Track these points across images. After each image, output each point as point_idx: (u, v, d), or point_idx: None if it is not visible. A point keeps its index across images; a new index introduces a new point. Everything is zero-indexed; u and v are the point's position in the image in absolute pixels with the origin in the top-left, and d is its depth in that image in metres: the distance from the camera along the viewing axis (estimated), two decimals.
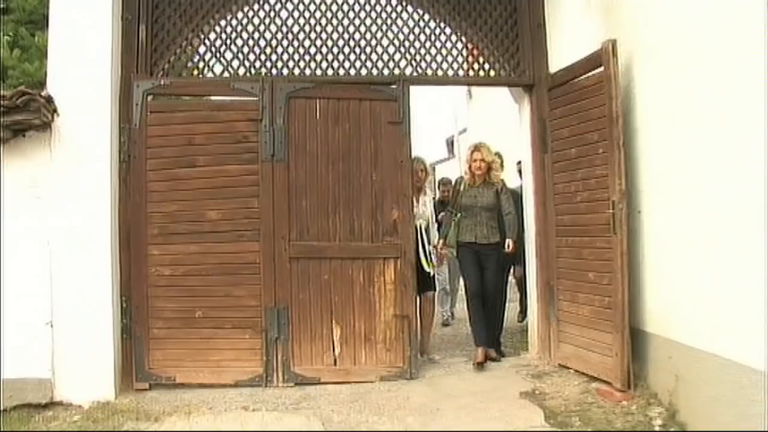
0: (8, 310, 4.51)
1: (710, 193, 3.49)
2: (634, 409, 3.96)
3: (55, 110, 4.57)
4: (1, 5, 6.06)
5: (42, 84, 5.37)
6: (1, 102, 4.30)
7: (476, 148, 5.50)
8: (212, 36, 5.20)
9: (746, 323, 3.08)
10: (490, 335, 5.45)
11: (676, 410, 3.72)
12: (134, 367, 4.82)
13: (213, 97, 5.38)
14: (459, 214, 5.47)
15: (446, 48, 5.38)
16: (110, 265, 4.71)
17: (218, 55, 5.18)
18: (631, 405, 4.01)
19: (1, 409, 4.38)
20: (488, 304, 5.42)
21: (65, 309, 4.60)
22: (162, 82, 5.02)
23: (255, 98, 4.98)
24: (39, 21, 6.25)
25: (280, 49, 5.19)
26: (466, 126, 14.88)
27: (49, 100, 4.54)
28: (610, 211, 4.35)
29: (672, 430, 3.65)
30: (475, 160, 5.40)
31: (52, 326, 4.58)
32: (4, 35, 5.51)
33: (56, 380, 4.58)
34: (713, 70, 3.45)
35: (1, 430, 4.13)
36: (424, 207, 5.72)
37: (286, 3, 5.25)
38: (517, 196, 5.75)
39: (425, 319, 5.71)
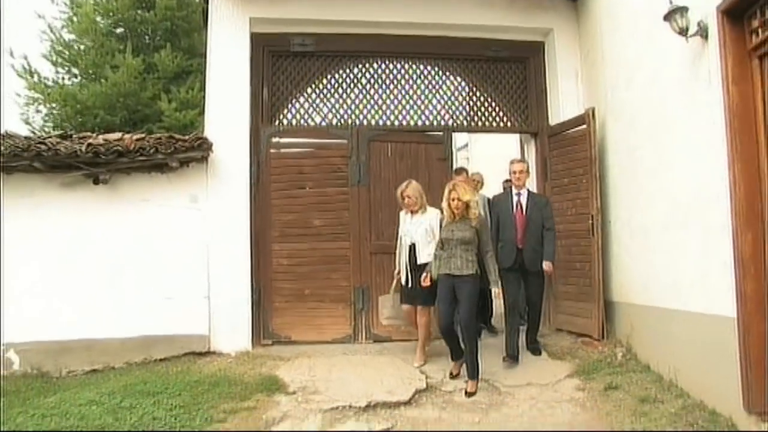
0: (181, 288, 6.21)
1: (644, 208, 5.45)
2: (606, 350, 5.90)
3: (211, 147, 6.31)
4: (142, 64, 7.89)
5: (186, 127, 7.27)
6: (184, 144, 6.10)
7: (453, 187, 5.37)
8: (313, 96, 6.98)
9: (665, 283, 5.04)
10: (460, 352, 5.45)
11: (631, 347, 5.71)
12: (262, 329, 6.55)
13: (315, 140, 6.91)
14: (441, 249, 5.45)
15: (477, 105, 7.23)
16: (247, 257, 6.42)
17: (317, 109, 7.00)
18: (604, 348, 5.95)
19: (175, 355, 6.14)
20: (462, 331, 5.33)
21: (217, 287, 6.29)
22: (280, 129, 6.84)
23: (346, 141, 6.80)
24: (176, 78, 8.21)
25: (362, 106, 7.01)
26: (467, 141, 16.44)
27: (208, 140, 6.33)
28: (590, 221, 6.23)
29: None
30: (453, 199, 5.29)
31: (209, 299, 6.28)
32: (155, 89, 7.40)
33: (211, 336, 6.25)
34: (649, 129, 5.31)
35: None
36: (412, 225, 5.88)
37: (365, 72, 7.08)
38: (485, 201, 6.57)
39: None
